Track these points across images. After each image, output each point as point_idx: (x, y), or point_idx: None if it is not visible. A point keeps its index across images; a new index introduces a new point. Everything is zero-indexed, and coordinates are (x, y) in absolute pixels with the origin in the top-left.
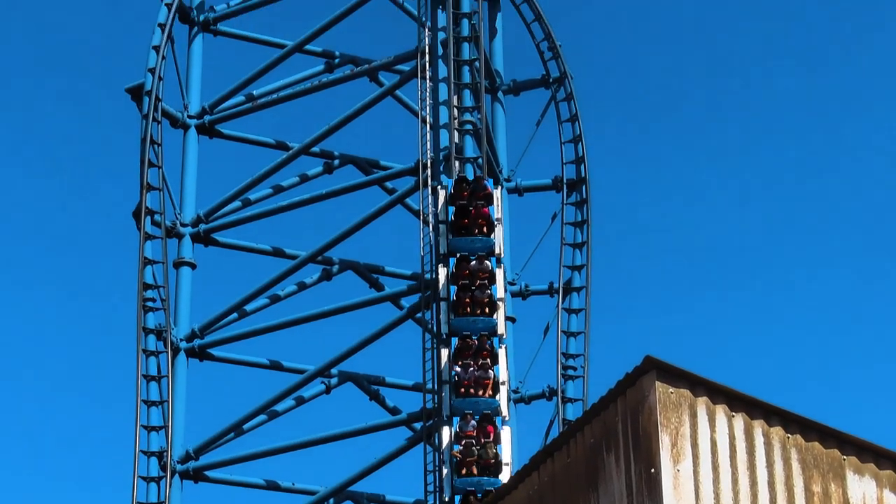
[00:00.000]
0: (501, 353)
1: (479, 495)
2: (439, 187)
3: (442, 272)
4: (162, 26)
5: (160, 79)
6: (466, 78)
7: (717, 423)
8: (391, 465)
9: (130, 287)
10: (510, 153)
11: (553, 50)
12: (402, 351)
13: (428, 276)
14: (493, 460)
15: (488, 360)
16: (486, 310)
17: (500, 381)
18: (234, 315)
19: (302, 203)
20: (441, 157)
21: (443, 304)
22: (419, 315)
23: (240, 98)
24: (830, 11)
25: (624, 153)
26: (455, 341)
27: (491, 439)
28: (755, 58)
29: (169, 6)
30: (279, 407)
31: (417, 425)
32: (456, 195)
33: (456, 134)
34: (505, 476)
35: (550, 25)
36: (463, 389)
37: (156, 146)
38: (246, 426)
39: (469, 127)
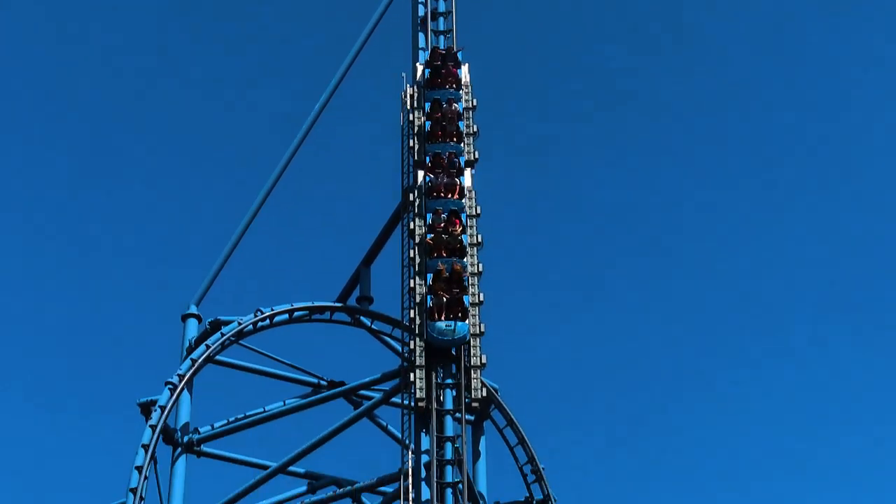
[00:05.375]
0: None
1: (448, 272)
2: None
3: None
4: (146, 447)
5: (142, 499)
6: (449, 499)
7: None
8: None
9: None
10: None
11: (536, 473)
12: None
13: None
14: (458, 245)
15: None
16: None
17: (466, 186)
18: None
19: None
20: None
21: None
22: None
23: None
24: None
25: None
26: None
27: (458, 229)
28: None
29: (153, 427)
30: None
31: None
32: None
33: None
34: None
35: (534, 449)
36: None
37: None
38: None
39: None
